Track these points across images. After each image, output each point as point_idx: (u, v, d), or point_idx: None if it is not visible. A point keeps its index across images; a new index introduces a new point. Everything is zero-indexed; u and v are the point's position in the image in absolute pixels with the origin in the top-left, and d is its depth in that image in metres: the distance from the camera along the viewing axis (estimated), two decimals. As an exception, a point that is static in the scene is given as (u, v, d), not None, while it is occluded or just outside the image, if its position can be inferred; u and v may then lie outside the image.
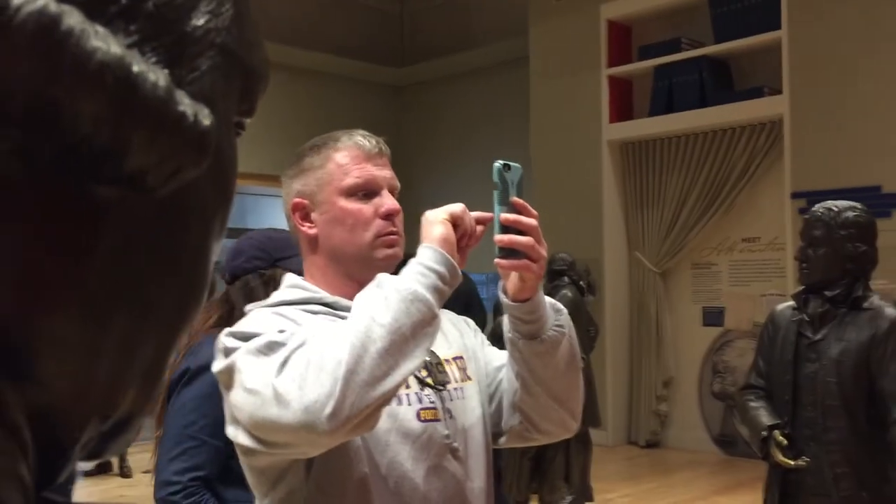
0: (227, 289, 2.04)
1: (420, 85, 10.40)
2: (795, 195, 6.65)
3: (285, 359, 1.11)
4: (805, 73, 6.76)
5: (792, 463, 2.47)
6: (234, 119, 0.45)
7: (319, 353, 1.09)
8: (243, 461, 1.26)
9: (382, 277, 1.16)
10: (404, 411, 1.27)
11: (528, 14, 8.51)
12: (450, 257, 1.17)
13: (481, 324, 1.87)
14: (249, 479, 1.28)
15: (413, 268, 1.16)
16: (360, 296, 1.15)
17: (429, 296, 1.13)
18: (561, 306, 1.32)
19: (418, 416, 1.28)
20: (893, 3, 6.36)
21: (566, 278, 5.20)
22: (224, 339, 1.21)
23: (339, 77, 9.81)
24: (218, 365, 1.21)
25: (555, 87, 8.22)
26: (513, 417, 1.36)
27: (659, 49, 7.64)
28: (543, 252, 1.22)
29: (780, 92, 6.94)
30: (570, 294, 5.03)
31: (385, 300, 1.11)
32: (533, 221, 1.22)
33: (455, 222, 1.21)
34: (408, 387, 1.28)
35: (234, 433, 1.19)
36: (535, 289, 1.26)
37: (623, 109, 8.06)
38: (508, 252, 1.20)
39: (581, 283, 5.33)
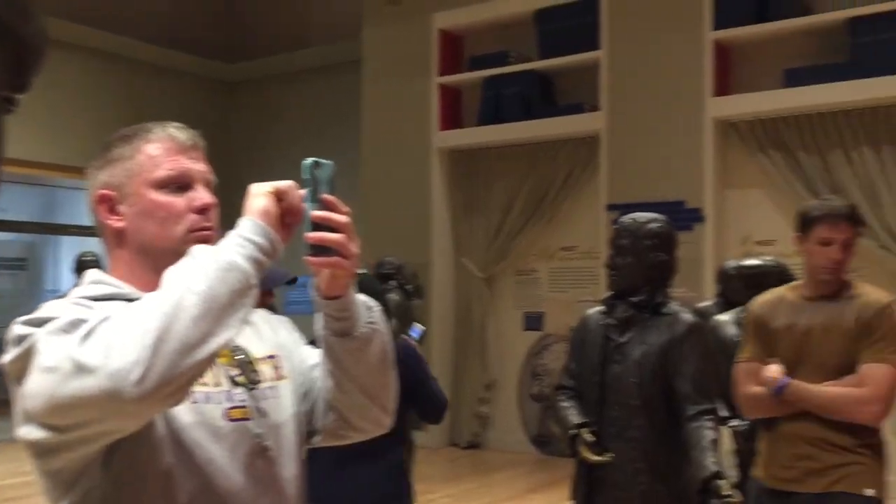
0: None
1: (253, 82, 10.18)
2: (610, 207, 7.04)
3: (89, 330, 1.05)
4: (621, 92, 7.19)
5: (597, 459, 2.61)
6: (3, 93, 0.42)
7: (128, 322, 1.03)
8: (38, 466, 1.19)
9: (197, 249, 1.13)
10: (211, 409, 1.24)
11: (362, 17, 8.53)
12: (269, 229, 1.16)
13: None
14: (43, 485, 1.20)
15: (231, 238, 1.14)
16: (173, 267, 1.11)
17: (246, 265, 1.10)
18: (373, 303, 1.33)
19: (227, 414, 1.25)
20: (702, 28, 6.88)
21: (394, 282, 5.24)
22: (15, 327, 1.13)
23: (163, 69, 9.42)
24: (8, 356, 1.12)
25: (386, 92, 8.29)
26: (327, 416, 1.36)
27: (488, 61, 7.87)
28: (355, 249, 1.23)
29: (598, 109, 7.33)
30: (396, 297, 5.07)
31: (200, 269, 1.08)
32: (344, 218, 1.21)
33: (280, 196, 1.20)
34: (218, 385, 1.26)
35: (27, 431, 1.12)
36: (347, 286, 1.26)
37: (453, 118, 8.24)
38: (320, 249, 1.20)
39: (408, 286, 5.40)
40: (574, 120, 7.49)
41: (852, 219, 2.66)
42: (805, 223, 2.69)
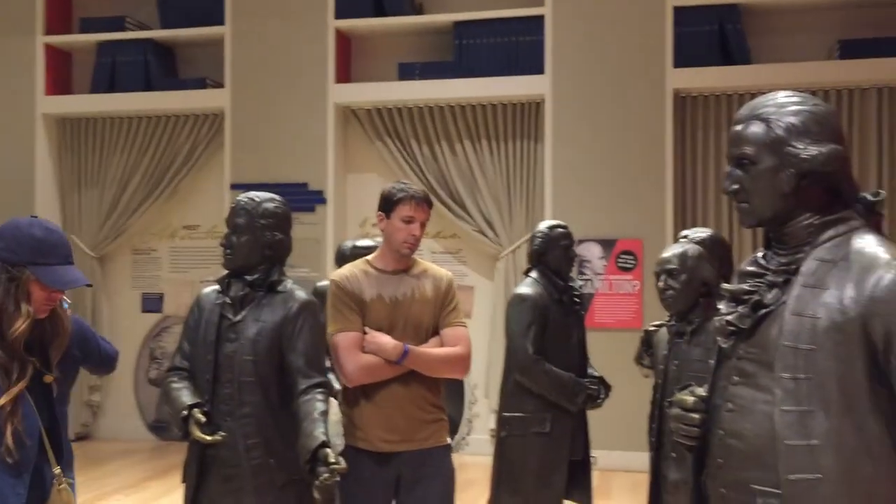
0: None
1: None
2: (234, 186, 6.98)
3: None
4: (246, 70, 7.14)
5: (209, 438, 2.60)
6: None
7: None
8: None
9: None
10: None
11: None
12: None
13: None
14: None
15: None
16: None
17: None
18: None
19: None
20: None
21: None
22: None
23: None
24: None
25: (-20, 47, 7.34)
26: None
27: (102, 24, 7.34)
28: None
29: (222, 86, 7.21)
30: None
31: None
32: None
33: None
34: None
35: None
36: None
37: (62, 82, 7.56)
38: None
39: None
40: (197, 95, 7.29)
41: (428, 202, 3.04)
42: (388, 203, 3.00)
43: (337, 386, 3.37)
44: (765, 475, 1.60)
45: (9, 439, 2.09)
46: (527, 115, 7.13)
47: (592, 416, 3.83)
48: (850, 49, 6.47)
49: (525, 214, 7.03)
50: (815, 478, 1.54)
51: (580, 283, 3.95)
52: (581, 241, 6.67)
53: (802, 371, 1.57)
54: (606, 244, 6.80)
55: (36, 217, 2.28)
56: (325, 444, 2.45)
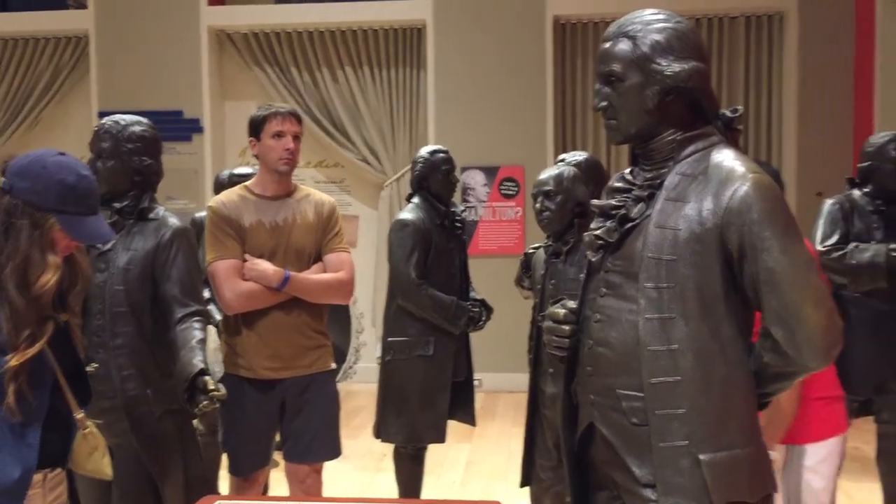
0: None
1: None
2: (102, 115, 6.62)
3: None
4: (111, -9, 6.74)
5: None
6: None
7: None
8: None
9: None
10: None
11: None
12: None
13: None
14: None
15: None
16: None
17: None
18: None
19: None
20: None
21: None
22: None
23: None
24: None
25: None
26: None
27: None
28: None
29: (85, 6, 6.78)
30: None
31: None
32: None
33: None
34: None
35: None
36: None
37: None
38: None
39: None
40: (58, 16, 6.85)
41: (296, 115, 2.99)
42: (257, 124, 2.95)
43: (217, 316, 3.32)
44: (630, 380, 1.67)
45: (10, 398, 1.86)
46: (409, 42, 7.04)
47: (477, 339, 3.91)
48: (721, -23, 6.65)
49: (409, 143, 7.00)
50: (675, 380, 1.62)
51: (462, 208, 3.98)
52: (465, 169, 6.71)
53: (664, 280, 1.64)
54: (489, 171, 6.87)
55: (64, 154, 1.96)
56: (203, 372, 2.40)
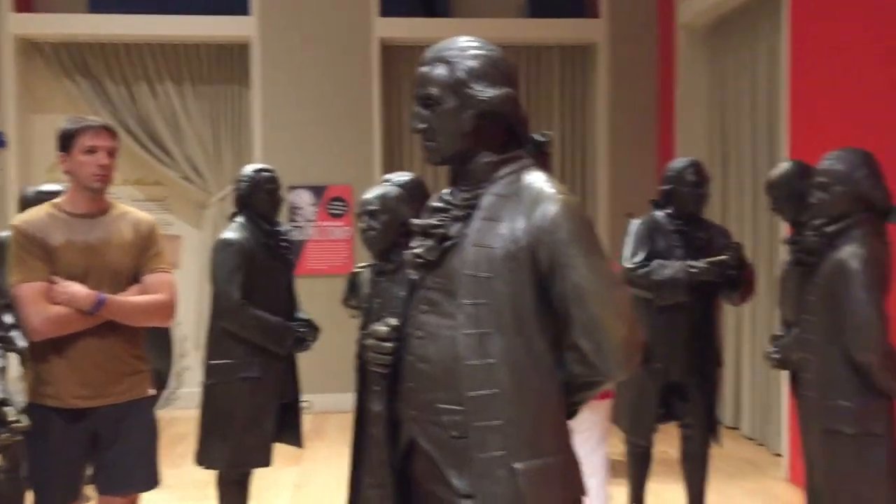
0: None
1: None
2: None
3: None
4: None
5: None
6: None
7: None
8: None
9: None
10: None
11: None
12: None
13: None
14: None
15: None
16: None
17: None
18: None
19: None
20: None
21: None
22: None
23: None
24: None
25: None
26: None
27: None
28: None
29: None
30: None
31: None
32: None
33: None
34: None
35: None
36: None
37: None
38: None
39: None
40: None
41: (109, 129, 2.86)
42: (67, 139, 2.80)
43: (22, 343, 3.10)
44: (449, 395, 1.72)
45: None
46: (234, 58, 6.91)
47: (306, 360, 3.87)
48: (537, 8, 6.99)
49: (234, 161, 6.86)
50: (492, 392, 1.69)
51: (288, 227, 3.94)
52: (292, 188, 6.65)
53: (482, 297, 1.71)
54: (317, 190, 6.84)
55: None
56: (3, 402, 2.25)
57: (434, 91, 1.77)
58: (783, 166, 3.53)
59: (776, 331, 3.71)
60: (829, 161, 2.83)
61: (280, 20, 6.69)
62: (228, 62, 6.91)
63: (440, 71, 1.78)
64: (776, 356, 3.43)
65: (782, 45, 5.00)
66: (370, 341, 1.87)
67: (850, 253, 2.66)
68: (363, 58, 6.78)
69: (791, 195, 3.40)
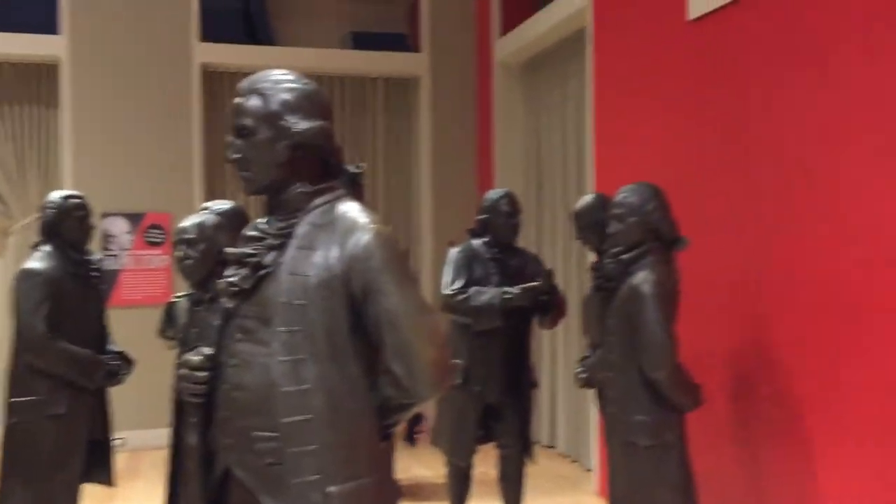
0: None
1: None
2: None
3: None
4: None
5: None
6: None
7: None
8: None
9: None
10: None
11: None
12: None
13: None
14: None
15: None
16: None
17: None
18: None
19: None
20: None
21: None
22: None
23: None
24: None
25: None
26: None
27: None
28: None
29: None
30: None
31: None
32: None
33: None
34: None
35: None
36: None
37: None
38: None
39: None
40: None
41: None
42: None
43: None
44: (264, 421, 1.74)
45: None
46: (42, 78, 6.56)
47: (120, 395, 3.72)
48: (361, 41, 7.12)
49: (41, 186, 6.48)
50: (307, 418, 1.72)
51: (100, 256, 3.78)
52: (105, 215, 6.37)
53: (296, 324, 1.74)
54: (133, 218, 6.59)
55: None
56: None
57: (248, 122, 1.80)
58: (586, 198, 3.79)
59: (584, 352, 3.96)
60: (623, 194, 3.08)
61: (93, 40, 6.42)
62: (35, 82, 6.55)
63: (255, 102, 1.81)
64: (583, 376, 3.65)
65: (587, 84, 5.37)
66: (183, 371, 1.86)
67: (642, 279, 2.90)
68: (183, 82, 6.62)
69: (593, 225, 3.66)
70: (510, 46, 6.57)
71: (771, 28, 3.56)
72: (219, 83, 6.91)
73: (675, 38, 4.29)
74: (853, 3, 3.10)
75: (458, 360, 3.89)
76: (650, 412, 2.96)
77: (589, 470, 5.57)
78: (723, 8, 3.88)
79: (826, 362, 3.22)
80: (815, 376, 3.28)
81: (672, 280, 2.98)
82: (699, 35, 4.09)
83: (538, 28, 6.08)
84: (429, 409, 5.74)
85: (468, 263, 3.93)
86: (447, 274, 3.94)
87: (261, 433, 1.74)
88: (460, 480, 4.08)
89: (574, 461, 5.99)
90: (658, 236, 3.03)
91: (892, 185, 2.94)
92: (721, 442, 3.83)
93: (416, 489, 5.25)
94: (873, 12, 3.02)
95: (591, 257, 3.72)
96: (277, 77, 1.84)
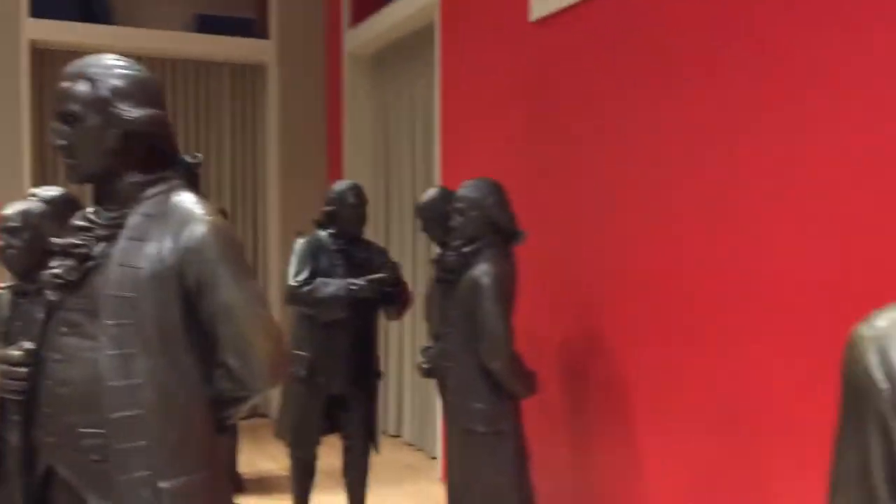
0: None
1: None
2: None
3: None
4: None
5: None
6: None
7: None
8: None
9: None
10: None
11: None
12: None
13: None
14: None
15: None
16: None
17: None
18: None
19: None
20: None
21: None
22: None
23: None
24: None
25: None
26: None
27: None
28: None
29: None
30: None
31: None
32: None
33: None
34: None
35: None
36: None
37: None
38: None
39: None
40: None
41: None
42: None
43: None
44: (90, 418, 1.68)
45: None
46: None
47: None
48: (206, 24, 6.91)
49: None
50: (136, 413, 1.68)
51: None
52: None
53: (125, 317, 1.69)
54: (-48, 204, 6.12)
55: None
56: None
57: (76, 108, 1.74)
58: (430, 192, 3.87)
59: (427, 343, 4.03)
60: (464, 189, 3.17)
61: None
62: None
63: (82, 87, 1.74)
64: (425, 366, 3.73)
65: (435, 79, 5.45)
66: (2, 367, 1.77)
67: (482, 271, 3.00)
68: (10, 60, 6.21)
69: (437, 218, 3.74)
70: (360, 38, 6.57)
71: (611, 31, 3.74)
72: (50, 63, 6.52)
73: (518, 38, 4.43)
74: (693, 8, 3.29)
75: (303, 352, 3.88)
76: (488, 401, 3.06)
77: (434, 458, 5.68)
78: (563, 11, 4.05)
79: (656, 352, 3.44)
80: (644, 365, 3.50)
81: (510, 273, 3.10)
82: (540, 36, 4.24)
83: (388, 20, 6.11)
84: (274, 401, 5.66)
85: (314, 254, 3.92)
86: (292, 265, 3.91)
87: (86, 430, 1.69)
88: (304, 472, 4.07)
89: (419, 449, 6.09)
90: (497, 230, 3.13)
91: (720, 177, 3.17)
92: (555, 428, 4.01)
93: (261, 482, 5.19)
94: (713, 14, 3.20)
95: (437, 250, 3.80)
96: (108, 62, 1.78)
